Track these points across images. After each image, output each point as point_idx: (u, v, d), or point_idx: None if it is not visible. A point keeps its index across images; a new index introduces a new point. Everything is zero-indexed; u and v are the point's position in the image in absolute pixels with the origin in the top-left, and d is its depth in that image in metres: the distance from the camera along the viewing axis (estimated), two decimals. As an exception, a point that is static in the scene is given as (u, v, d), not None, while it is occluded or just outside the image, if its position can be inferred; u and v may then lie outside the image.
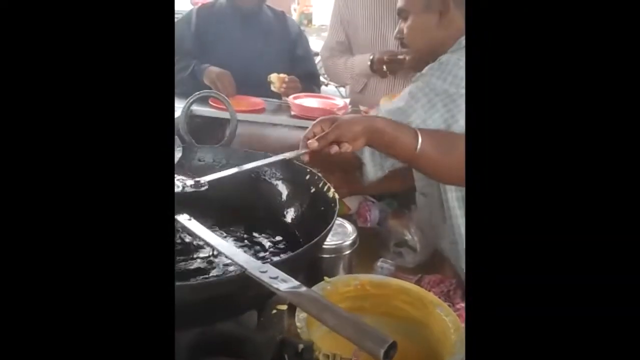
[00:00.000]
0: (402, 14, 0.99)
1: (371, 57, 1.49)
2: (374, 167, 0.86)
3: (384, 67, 1.45)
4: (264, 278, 0.44)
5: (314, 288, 0.83)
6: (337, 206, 0.63)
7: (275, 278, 0.44)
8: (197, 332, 0.57)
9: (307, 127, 1.27)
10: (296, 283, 0.43)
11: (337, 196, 0.67)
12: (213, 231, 0.62)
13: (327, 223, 0.59)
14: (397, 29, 1.02)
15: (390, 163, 0.86)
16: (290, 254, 0.60)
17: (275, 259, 0.65)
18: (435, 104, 0.86)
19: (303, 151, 0.70)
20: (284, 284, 0.43)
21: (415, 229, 1.17)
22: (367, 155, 0.86)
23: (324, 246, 0.91)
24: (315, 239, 0.52)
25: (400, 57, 1.43)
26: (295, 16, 3.74)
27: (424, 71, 0.90)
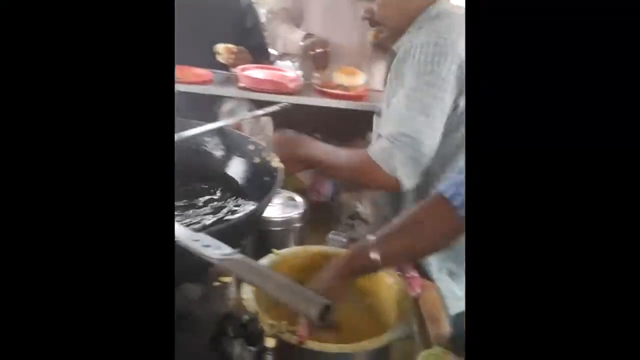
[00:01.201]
0: None
1: (302, 43, 1.49)
2: (409, 180, 0.89)
3: (313, 62, 1.46)
4: (196, 246, 0.42)
5: (262, 260, 0.81)
6: (279, 176, 0.61)
7: (208, 246, 0.42)
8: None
9: (256, 100, 1.25)
10: (230, 250, 0.41)
11: (280, 166, 0.65)
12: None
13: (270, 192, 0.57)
14: (365, 9, 1.00)
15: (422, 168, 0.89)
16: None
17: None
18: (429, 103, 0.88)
19: (241, 118, 0.68)
20: (218, 251, 0.41)
21: (368, 202, 1.17)
22: (400, 170, 0.89)
23: (274, 219, 0.89)
24: (252, 208, 0.50)
25: (327, 49, 1.44)
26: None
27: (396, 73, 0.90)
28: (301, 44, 1.50)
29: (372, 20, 1.00)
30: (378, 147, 0.92)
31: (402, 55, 0.94)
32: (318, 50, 1.44)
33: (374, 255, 0.68)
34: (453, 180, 0.71)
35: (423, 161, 0.89)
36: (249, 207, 0.63)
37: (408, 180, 0.89)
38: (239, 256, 0.40)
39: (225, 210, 0.63)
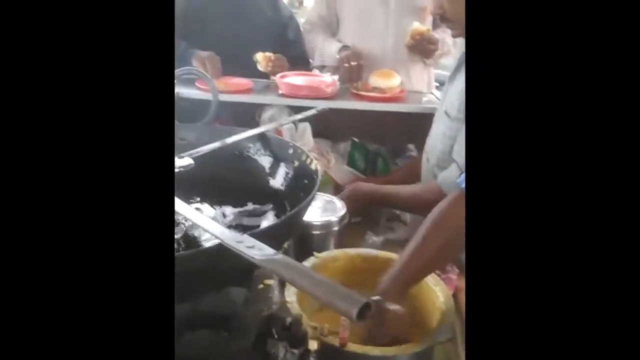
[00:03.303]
0: None
1: (338, 56, 1.51)
2: None
3: (347, 75, 1.46)
4: (240, 248, 0.43)
5: (304, 263, 0.83)
6: (319, 178, 0.63)
7: (252, 247, 0.43)
8: (183, 307, 0.57)
9: (296, 106, 1.27)
10: (272, 251, 0.42)
11: (319, 168, 0.66)
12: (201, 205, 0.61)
13: (309, 195, 0.59)
14: (434, 5, 0.97)
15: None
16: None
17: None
18: None
19: (279, 123, 0.69)
20: (260, 252, 0.42)
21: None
22: None
23: (314, 223, 0.91)
24: (293, 210, 0.51)
25: (361, 62, 1.44)
26: (286, -2, 3.68)
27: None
28: (337, 56, 1.51)
29: (443, 17, 0.97)
30: (450, 179, 0.92)
31: None
32: (353, 63, 1.45)
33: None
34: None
35: None
36: (289, 210, 0.65)
37: None
38: (280, 257, 0.41)
39: (267, 214, 0.65)
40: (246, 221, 0.69)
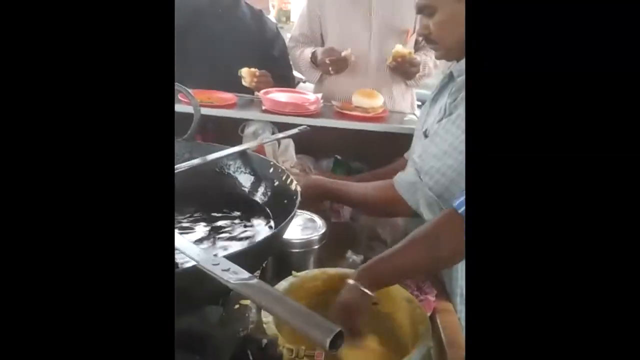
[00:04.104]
0: (426, 10, 0.94)
1: (311, 53, 1.54)
2: (431, 215, 0.89)
3: (330, 68, 1.49)
4: (215, 271, 0.43)
5: (282, 282, 0.82)
6: (299, 199, 0.63)
7: (227, 270, 0.43)
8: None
9: (278, 122, 1.28)
10: (247, 275, 0.42)
11: (298, 189, 0.66)
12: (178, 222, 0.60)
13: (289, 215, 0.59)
14: (420, 26, 0.97)
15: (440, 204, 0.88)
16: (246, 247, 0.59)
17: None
18: None
19: (263, 141, 0.70)
20: (235, 275, 0.42)
21: (387, 223, 1.17)
22: (423, 207, 0.89)
23: (293, 241, 0.90)
24: (271, 232, 0.51)
25: (344, 54, 1.46)
26: (273, 13, 3.71)
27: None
28: (311, 53, 1.55)
29: (428, 38, 0.98)
30: (405, 180, 0.92)
31: (463, 84, 0.90)
32: (333, 58, 1.47)
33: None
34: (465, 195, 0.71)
35: (450, 200, 0.88)
36: (268, 230, 0.65)
37: (430, 215, 0.88)
38: (254, 281, 0.41)
39: (246, 234, 0.64)
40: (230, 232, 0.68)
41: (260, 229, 0.66)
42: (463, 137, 0.86)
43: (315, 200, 1.01)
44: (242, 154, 0.76)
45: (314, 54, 1.56)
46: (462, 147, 0.85)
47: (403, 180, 0.93)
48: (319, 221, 0.97)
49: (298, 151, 1.33)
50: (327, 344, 0.34)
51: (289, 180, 0.69)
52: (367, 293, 0.70)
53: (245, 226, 0.64)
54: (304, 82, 2.08)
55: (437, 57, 1.02)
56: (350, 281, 0.72)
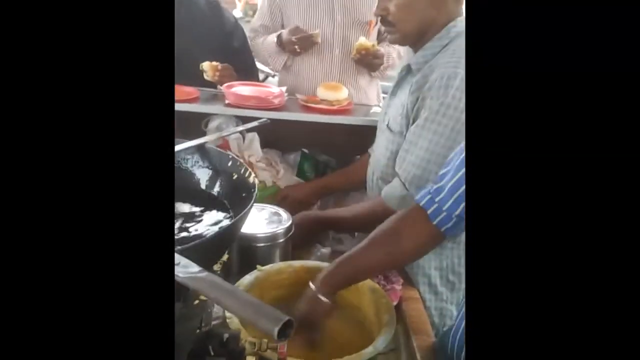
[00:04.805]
0: None
1: (277, 37, 1.53)
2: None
3: (296, 46, 1.49)
4: (164, 265, 0.42)
5: (247, 276, 0.81)
6: (256, 191, 0.62)
7: (177, 264, 0.42)
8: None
9: (242, 116, 1.26)
10: (197, 269, 0.41)
11: (257, 182, 0.65)
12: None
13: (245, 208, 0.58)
14: (378, 6, 0.95)
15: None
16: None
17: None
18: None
19: (221, 134, 0.68)
20: (184, 269, 0.41)
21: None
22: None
23: (258, 235, 0.89)
24: (227, 224, 0.50)
25: (312, 33, 1.46)
26: (240, 7, 3.66)
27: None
28: (277, 35, 1.54)
29: (385, 19, 0.97)
30: (393, 195, 0.93)
31: (423, 81, 0.89)
32: (301, 35, 1.47)
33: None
34: (428, 189, 0.72)
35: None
36: (226, 223, 0.63)
37: None
38: (204, 275, 0.40)
39: (202, 227, 0.63)
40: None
41: (218, 223, 0.65)
42: (437, 139, 0.86)
43: (311, 235, 1.02)
44: (200, 148, 0.74)
45: (279, 37, 1.54)
46: (439, 150, 0.86)
47: (392, 195, 0.93)
48: (284, 214, 0.96)
49: (264, 145, 1.31)
50: (276, 334, 0.33)
51: (247, 174, 0.68)
52: (325, 302, 0.71)
53: (201, 220, 0.63)
54: (273, 76, 2.05)
55: (391, 41, 1.01)
56: (312, 286, 0.72)
